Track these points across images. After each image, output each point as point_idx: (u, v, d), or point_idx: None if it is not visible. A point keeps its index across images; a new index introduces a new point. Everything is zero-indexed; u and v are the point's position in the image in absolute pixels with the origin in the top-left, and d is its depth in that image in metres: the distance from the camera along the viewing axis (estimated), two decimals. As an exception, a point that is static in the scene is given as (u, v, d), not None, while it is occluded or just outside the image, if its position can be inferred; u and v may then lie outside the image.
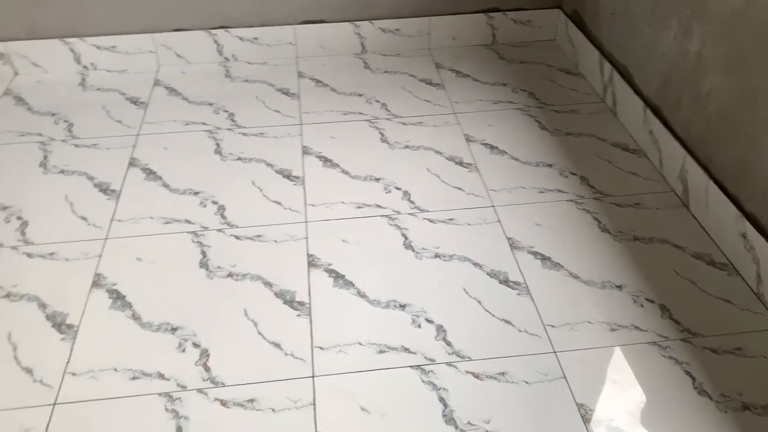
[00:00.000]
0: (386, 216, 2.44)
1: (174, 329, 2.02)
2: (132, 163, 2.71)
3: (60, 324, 2.04)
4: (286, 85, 3.24)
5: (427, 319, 2.04)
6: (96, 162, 2.71)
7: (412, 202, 2.49)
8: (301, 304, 2.10)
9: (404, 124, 2.94)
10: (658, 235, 2.33)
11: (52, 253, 2.29)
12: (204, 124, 2.95)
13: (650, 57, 2.66)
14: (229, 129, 2.91)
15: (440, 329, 2.01)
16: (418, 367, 1.90)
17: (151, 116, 3.00)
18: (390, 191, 2.55)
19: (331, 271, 2.21)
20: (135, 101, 3.12)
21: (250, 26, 3.34)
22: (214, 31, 3.33)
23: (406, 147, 2.80)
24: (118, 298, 2.13)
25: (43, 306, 2.10)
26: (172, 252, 2.29)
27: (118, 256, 2.28)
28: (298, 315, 2.07)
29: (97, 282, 2.18)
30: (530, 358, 1.92)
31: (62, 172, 2.67)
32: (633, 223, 2.38)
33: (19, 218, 2.44)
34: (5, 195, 2.54)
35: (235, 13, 3.28)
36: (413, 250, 2.29)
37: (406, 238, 2.34)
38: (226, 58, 3.42)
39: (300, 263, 2.25)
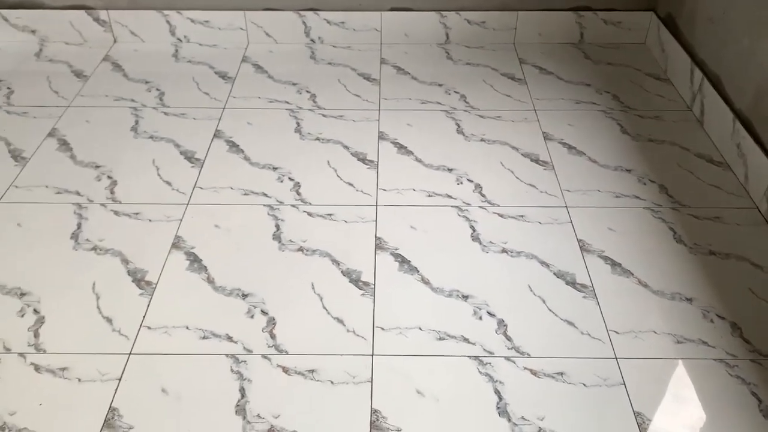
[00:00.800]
0: (456, 207, 2.45)
1: (245, 295, 2.11)
2: (217, 134, 2.83)
3: (140, 280, 2.16)
4: (368, 70, 3.29)
5: (489, 312, 2.05)
6: (183, 131, 2.84)
7: (483, 195, 2.50)
8: (366, 284, 2.15)
9: (482, 117, 2.94)
10: (736, 252, 2.25)
11: (137, 213, 2.42)
12: (287, 102, 3.04)
13: (746, 67, 2.55)
14: (310, 109, 2.99)
15: (501, 323, 2.02)
16: (476, 357, 1.92)
17: (237, 91, 3.11)
18: (462, 182, 2.56)
19: (397, 256, 2.25)
20: (223, 75, 3.24)
21: (339, 10, 3.40)
22: (303, 13, 3.41)
23: (482, 140, 2.80)
24: (194, 260, 2.23)
25: (125, 261, 2.23)
26: (247, 222, 2.38)
27: (198, 221, 2.39)
28: (363, 294, 2.12)
29: (176, 244, 2.29)
30: (591, 361, 1.90)
31: (151, 137, 2.81)
32: (710, 237, 2.31)
33: (109, 177, 2.58)
34: (98, 155, 2.70)
35: (325, -5, 3.36)
36: (480, 243, 2.30)
37: (474, 231, 2.35)
38: (312, 40, 3.50)
39: (367, 245, 2.29)
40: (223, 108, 3.00)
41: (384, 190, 2.53)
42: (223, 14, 3.41)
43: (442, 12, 3.42)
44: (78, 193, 2.50)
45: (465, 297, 2.10)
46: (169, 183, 2.56)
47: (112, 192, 2.52)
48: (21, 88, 3.12)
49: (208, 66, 3.32)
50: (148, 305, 2.08)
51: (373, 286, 2.14)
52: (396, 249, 2.28)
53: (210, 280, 2.16)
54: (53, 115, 2.93)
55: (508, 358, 1.92)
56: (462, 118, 2.93)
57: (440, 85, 3.17)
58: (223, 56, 3.40)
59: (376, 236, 2.33)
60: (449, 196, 2.50)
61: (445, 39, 3.51)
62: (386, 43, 3.50)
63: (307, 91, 3.11)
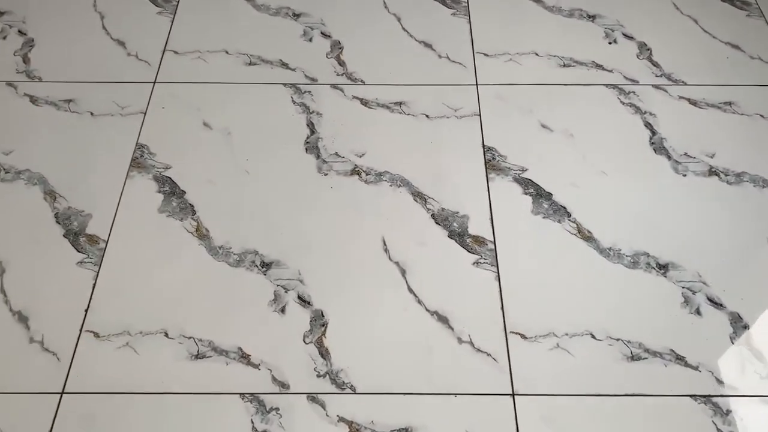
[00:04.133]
0: None
1: (296, 15, 1.58)
2: None
3: (155, -3, 1.62)
4: None
5: (624, 34, 1.55)
6: None
7: None
8: (456, 2, 1.62)
9: None
10: None
11: None
12: None
13: None
14: None
15: (643, 47, 1.53)
16: (615, 86, 1.45)
17: None
18: None
19: (493, -31, 1.69)
20: None
21: None
22: None
23: None
24: (224, -26, 1.67)
25: (133, -25, 1.67)
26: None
27: None
28: (454, 14, 1.59)
29: (197, -46, 1.71)
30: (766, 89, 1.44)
31: None
32: None
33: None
34: None
35: None
36: (602, -46, 1.73)
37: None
38: None
39: (452, -43, 1.72)
40: None
41: None
42: None
43: None
44: None
45: (591, 17, 1.59)
46: None
47: None
48: None
49: None
50: (170, 29, 1.56)
51: (465, 4, 1.61)
52: (490, -39, 1.71)
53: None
54: None
55: (657, 87, 1.45)
56: None
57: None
58: None
59: (461, -54, 1.75)
60: None
61: None
62: None
63: None
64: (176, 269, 1.19)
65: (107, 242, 1.22)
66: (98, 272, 1.18)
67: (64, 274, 1.18)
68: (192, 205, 1.27)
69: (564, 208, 1.27)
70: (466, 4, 1.61)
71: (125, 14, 1.58)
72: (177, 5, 1.60)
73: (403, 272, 1.19)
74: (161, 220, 1.25)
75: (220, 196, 1.28)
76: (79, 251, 1.21)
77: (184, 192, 1.28)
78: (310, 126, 1.38)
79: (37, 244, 1.22)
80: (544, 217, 1.25)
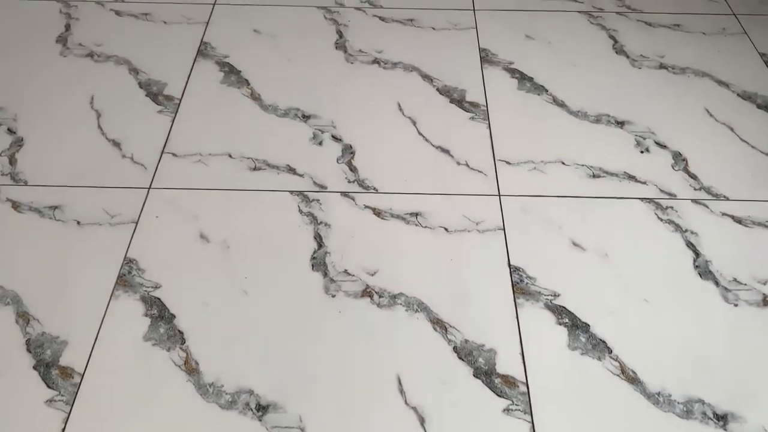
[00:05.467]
0: (585, 12, 1.79)
1: (306, 117, 1.49)
2: None
3: (157, 94, 1.53)
4: None
5: (657, 142, 1.45)
6: None
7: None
8: (475, 105, 1.53)
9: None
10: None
11: (146, 14, 1.75)
12: None
13: None
14: None
15: (678, 157, 1.42)
16: (650, 200, 1.33)
17: None
18: None
19: (513, 71, 1.62)
20: None
21: None
22: None
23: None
24: (231, 72, 1.60)
25: (134, 71, 1.59)
26: (298, 25, 1.73)
27: (230, 24, 1.73)
28: (472, 118, 1.50)
29: (203, 51, 1.64)
30: (817, 207, 1.32)
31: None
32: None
33: (105, -29, 1.89)
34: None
35: None
36: (627, 57, 1.66)
37: (615, 42, 1.70)
38: None
39: (469, 57, 1.65)
40: None
41: (481, -9, 1.86)
42: None
43: None
44: (63, -12, 1.82)
45: (620, 123, 1.49)
46: (187, -22, 1.87)
47: (109, -11, 1.84)
48: None
49: None
50: (170, 129, 1.46)
51: (485, 108, 1.52)
52: (510, 63, 1.64)
53: (255, 97, 1.54)
54: None
55: (696, 201, 1.33)
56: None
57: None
58: None
59: (479, 47, 1.68)
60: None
61: None
62: None
63: None
64: (158, 411, 1.03)
65: (83, 377, 1.06)
66: (69, 414, 1.02)
67: (29, 415, 1.02)
68: (181, 332, 1.12)
69: (604, 342, 1.12)
70: (485, 108, 1.51)
71: (123, 112, 1.49)
72: (179, 104, 1.51)
73: (422, 420, 1.02)
74: (146, 350, 1.10)
75: (214, 321, 1.14)
76: (49, 386, 1.05)
77: (173, 316, 1.14)
78: (318, 239, 1.26)
79: (1, 377, 1.06)
80: (582, 353, 1.10)
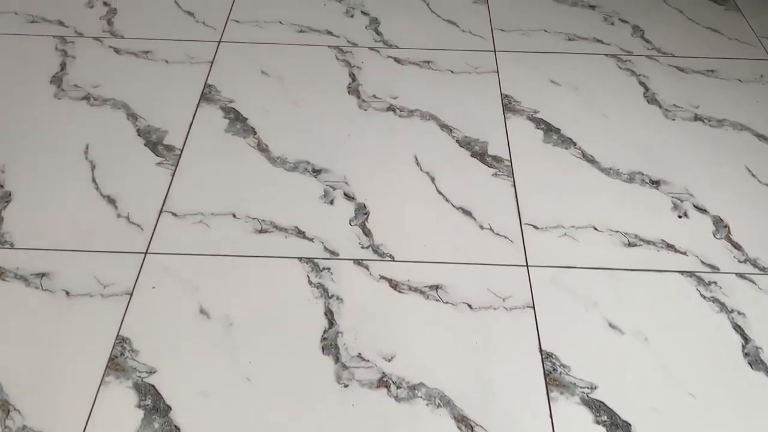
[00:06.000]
0: (613, 55, 1.68)
1: (316, 171, 1.38)
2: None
3: (156, 143, 1.43)
4: None
5: (695, 206, 1.34)
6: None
7: (647, 41, 1.73)
8: (498, 159, 1.42)
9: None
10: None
11: (146, 52, 1.65)
12: None
13: None
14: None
15: (719, 223, 1.31)
16: (691, 274, 1.22)
17: None
18: (612, 21, 1.78)
19: (538, 121, 1.51)
20: None
21: None
22: None
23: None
24: (236, 119, 1.49)
25: (133, 116, 1.48)
26: (308, 67, 1.62)
27: (236, 64, 1.62)
28: (495, 174, 1.39)
29: (207, 95, 1.54)
30: None
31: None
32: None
33: (106, 4, 1.79)
34: (88, -27, 1.88)
35: None
36: (660, 106, 1.55)
37: (646, 89, 1.60)
38: None
39: (490, 104, 1.55)
40: None
41: (502, 30, 1.75)
42: None
43: None
44: (61, 23, 1.72)
45: (655, 183, 1.38)
46: (191, 13, 1.77)
47: (109, 23, 1.73)
48: None
49: None
50: (170, 185, 1.35)
51: (509, 164, 1.41)
52: (535, 112, 1.54)
53: (263, 149, 1.43)
54: None
55: (741, 276, 1.22)
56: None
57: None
58: None
59: (501, 93, 1.58)
60: (599, 41, 1.73)
61: None
62: None
63: None
64: None
65: (66, 482, 0.95)
66: None
67: None
68: (177, 428, 1.01)
69: (647, 446, 1.01)
70: (509, 163, 1.41)
71: (120, 164, 1.38)
72: (180, 155, 1.40)
73: None
74: (138, 451, 0.99)
75: (213, 414, 1.02)
76: (28, 493, 0.94)
77: (169, 408, 1.03)
78: (329, 315, 1.15)
79: (-24, 482, 0.95)
80: (623, 461, 0.99)
